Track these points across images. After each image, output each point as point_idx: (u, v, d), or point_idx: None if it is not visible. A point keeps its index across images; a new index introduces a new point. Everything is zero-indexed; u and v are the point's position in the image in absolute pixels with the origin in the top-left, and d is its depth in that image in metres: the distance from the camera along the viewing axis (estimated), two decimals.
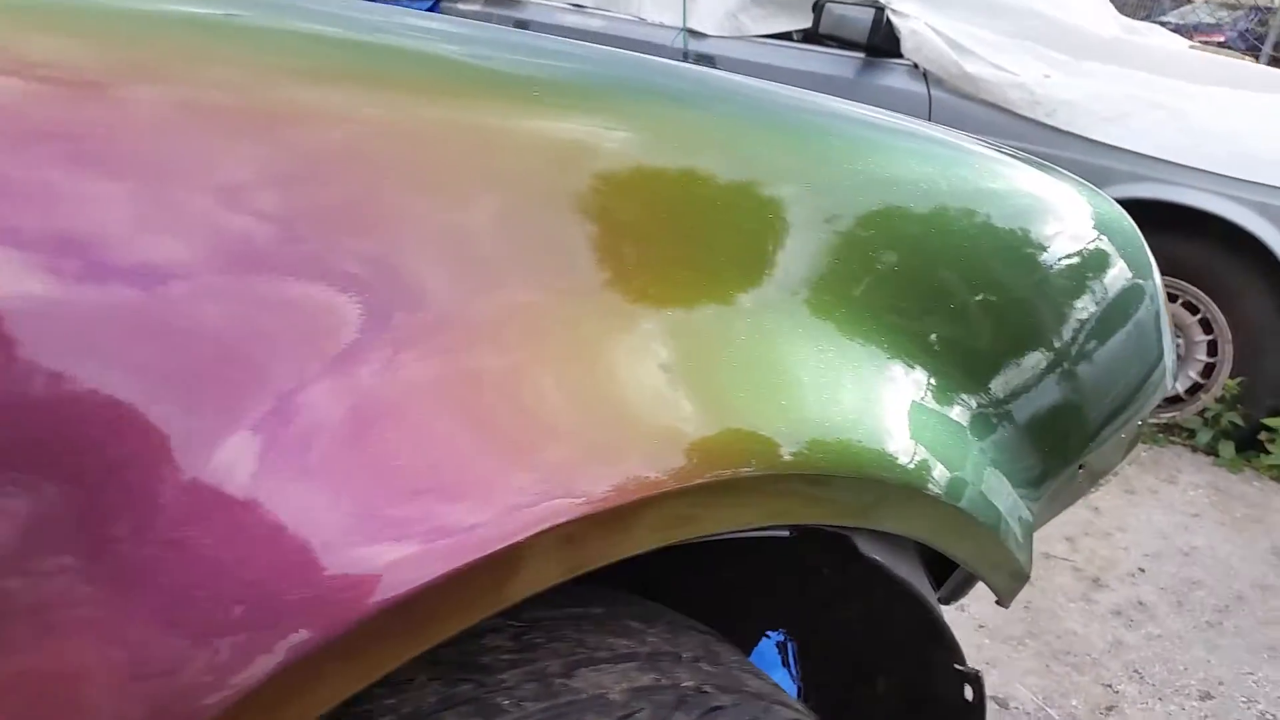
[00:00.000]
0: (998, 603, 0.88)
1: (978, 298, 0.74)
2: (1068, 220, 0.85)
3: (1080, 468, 0.89)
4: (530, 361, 0.52)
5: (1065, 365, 0.81)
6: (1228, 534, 2.60)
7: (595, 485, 0.50)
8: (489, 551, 0.46)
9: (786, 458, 0.58)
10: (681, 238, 0.61)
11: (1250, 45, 6.54)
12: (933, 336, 0.71)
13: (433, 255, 0.52)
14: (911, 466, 0.65)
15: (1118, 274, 0.87)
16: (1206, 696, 1.97)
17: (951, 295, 0.73)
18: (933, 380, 0.71)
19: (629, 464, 0.52)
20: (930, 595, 0.80)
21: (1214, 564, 2.45)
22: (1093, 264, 0.85)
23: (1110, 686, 1.97)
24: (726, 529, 0.58)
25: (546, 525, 0.46)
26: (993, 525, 0.73)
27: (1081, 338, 0.82)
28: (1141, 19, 4.53)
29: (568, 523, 0.47)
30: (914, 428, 0.67)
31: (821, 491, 0.61)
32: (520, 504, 0.47)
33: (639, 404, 0.54)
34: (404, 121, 0.55)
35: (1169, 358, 0.95)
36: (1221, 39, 7.56)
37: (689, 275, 0.61)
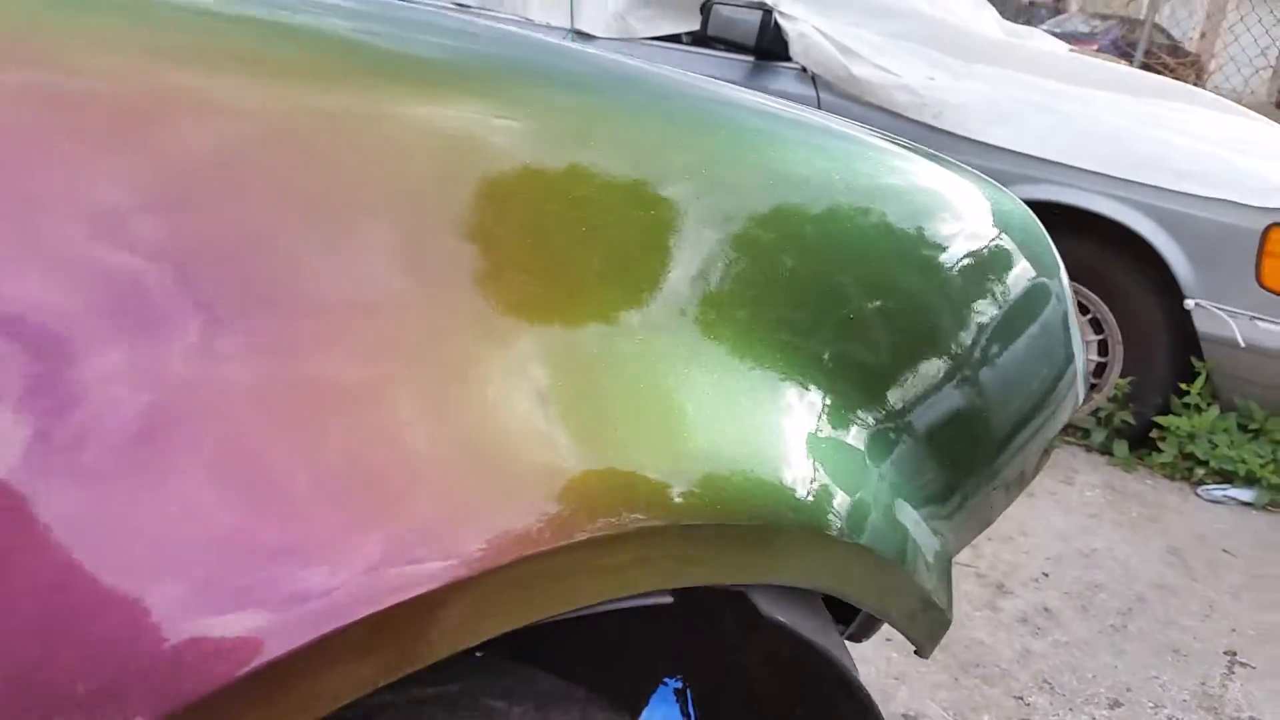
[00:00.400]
0: (916, 653, 0.79)
1: (874, 304, 0.67)
2: (968, 218, 0.79)
3: (994, 482, 0.81)
4: (372, 390, 0.43)
5: (968, 373, 0.74)
6: (1125, 534, 2.59)
7: (437, 554, 0.39)
8: (272, 658, 0.34)
9: (677, 503, 0.48)
10: (558, 244, 0.52)
11: (1123, 52, 6.73)
12: (827, 351, 0.63)
13: (261, 262, 0.42)
14: (811, 503, 0.57)
15: (1021, 273, 0.81)
16: (1115, 704, 1.93)
17: (847, 303, 0.65)
18: (828, 400, 0.63)
19: (482, 524, 0.41)
20: (840, 649, 0.70)
21: (1114, 566, 2.43)
22: (995, 264, 0.79)
23: (1021, 699, 1.92)
24: (599, 599, 0.47)
25: (340, 623, 0.34)
26: (898, 558, 0.64)
27: (984, 342, 0.75)
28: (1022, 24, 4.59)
29: (375, 614, 0.35)
30: (811, 458, 0.58)
31: (714, 543, 0.51)
32: (322, 589, 0.36)
33: (502, 444, 0.45)
34: (247, 101, 0.46)
35: (1079, 360, 0.89)
36: (1096, 47, 7.78)
37: (564, 288, 0.52)
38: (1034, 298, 0.81)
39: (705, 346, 0.56)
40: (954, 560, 0.85)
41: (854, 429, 0.64)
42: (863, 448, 0.64)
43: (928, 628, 0.73)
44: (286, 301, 0.42)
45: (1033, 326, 0.81)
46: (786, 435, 0.58)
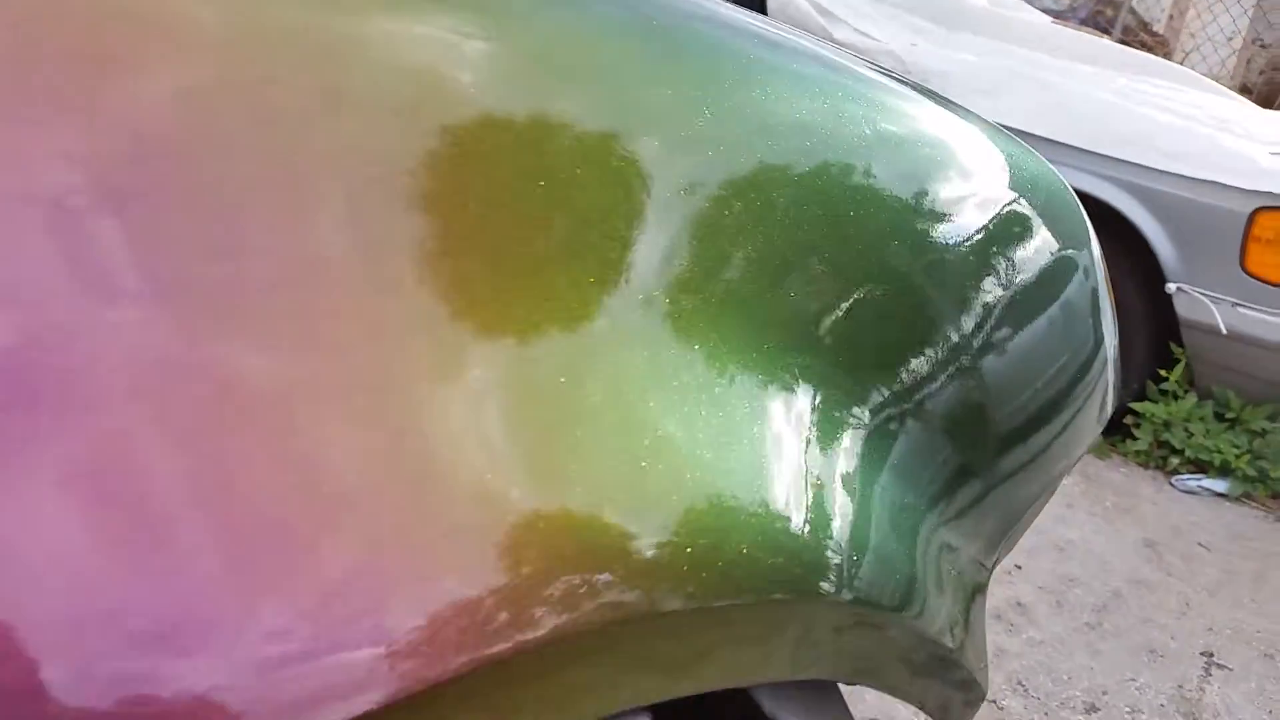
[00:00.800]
0: None
1: (869, 285, 0.55)
2: (982, 178, 0.66)
3: (1013, 480, 0.68)
4: (226, 421, 0.31)
5: (974, 358, 0.62)
6: (1100, 525, 2.51)
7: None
8: None
9: (669, 588, 0.36)
10: (501, 215, 0.39)
11: (1101, 28, 6.64)
12: (817, 348, 0.51)
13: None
14: (812, 564, 0.44)
15: (1042, 244, 0.68)
16: (1092, 709, 1.84)
17: (839, 286, 0.53)
18: (819, 415, 0.50)
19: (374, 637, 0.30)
20: None
21: (1089, 558, 2.35)
22: (1011, 233, 0.66)
23: (995, 702, 1.83)
24: None
25: None
26: (901, 606, 0.52)
27: (994, 323, 0.64)
28: None
29: None
30: (807, 506, 0.46)
31: (699, 634, 0.39)
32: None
33: (418, 497, 0.33)
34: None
35: (1109, 344, 0.76)
36: (1075, 22, 7.67)
37: (507, 271, 0.39)
38: (1056, 272, 0.69)
39: (674, 358, 0.43)
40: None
41: (848, 439, 0.52)
42: (860, 464, 0.52)
43: (961, 702, 0.61)
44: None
45: (1053, 305, 0.69)
46: (775, 475, 0.46)
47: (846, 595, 0.47)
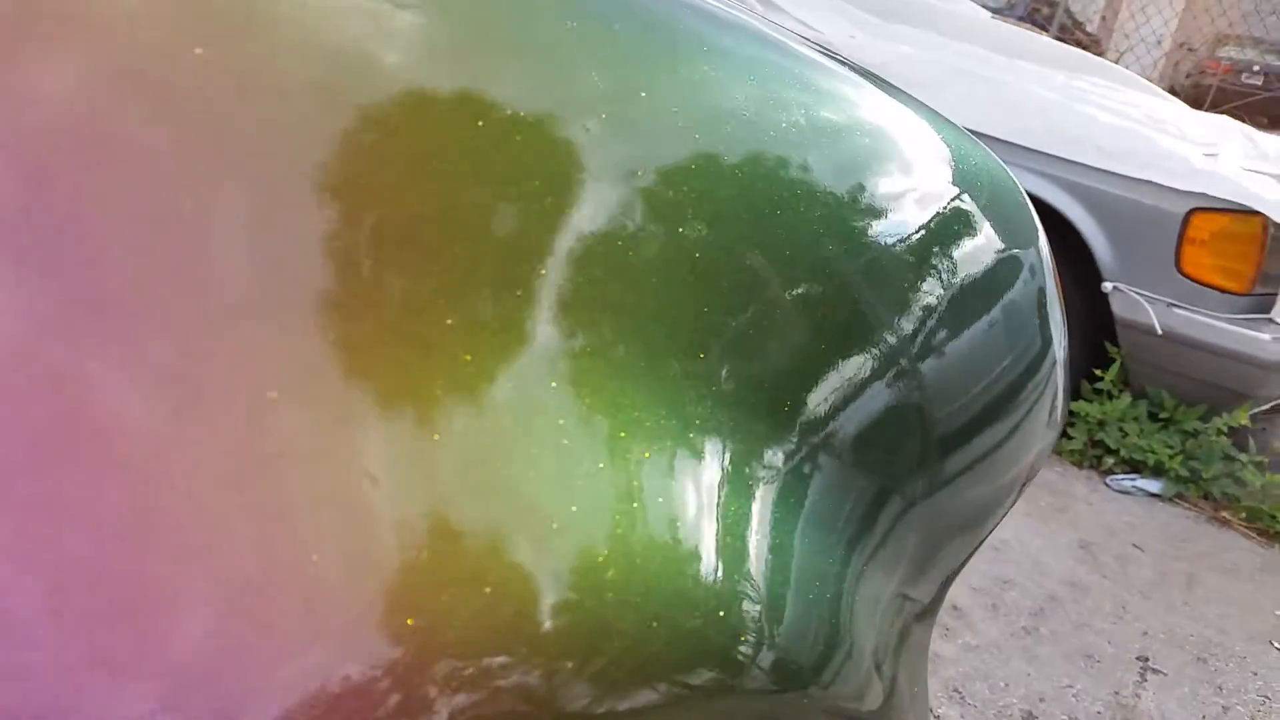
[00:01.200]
0: None
1: (796, 292, 0.48)
2: (925, 169, 0.60)
3: (952, 499, 0.61)
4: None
5: (912, 372, 0.55)
6: (1035, 526, 2.49)
7: None
8: None
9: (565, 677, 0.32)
10: (379, 218, 0.34)
11: (1038, 24, 6.69)
12: (727, 372, 0.44)
13: None
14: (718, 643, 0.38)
15: (985, 244, 0.62)
16: (1029, 717, 1.81)
17: (762, 294, 0.46)
18: (728, 457, 0.43)
19: None
20: None
21: (1024, 560, 2.32)
22: (953, 230, 0.60)
23: (931, 711, 1.78)
24: None
25: None
26: (817, 678, 0.45)
27: (929, 329, 0.57)
28: None
29: None
30: (714, 579, 0.39)
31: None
32: None
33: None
34: None
35: (1059, 346, 0.69)
36: (1014, 18, 7.72)
37: (374, 293, 0.33)
38: (1000, 272, 0.63)
39: (577, 393, 0.37)
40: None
41: (760, 494, 0.44)
42: (772, 519, 0.44)
43: None
44: None
45: (996, 307, 0.63)
46: (671, 538, 0.39)
47: (754, 683, 0.40)
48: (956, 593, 2.15)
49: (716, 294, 0.43)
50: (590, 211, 0.39)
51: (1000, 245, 0.63)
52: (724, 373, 0.43)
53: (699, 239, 0.42)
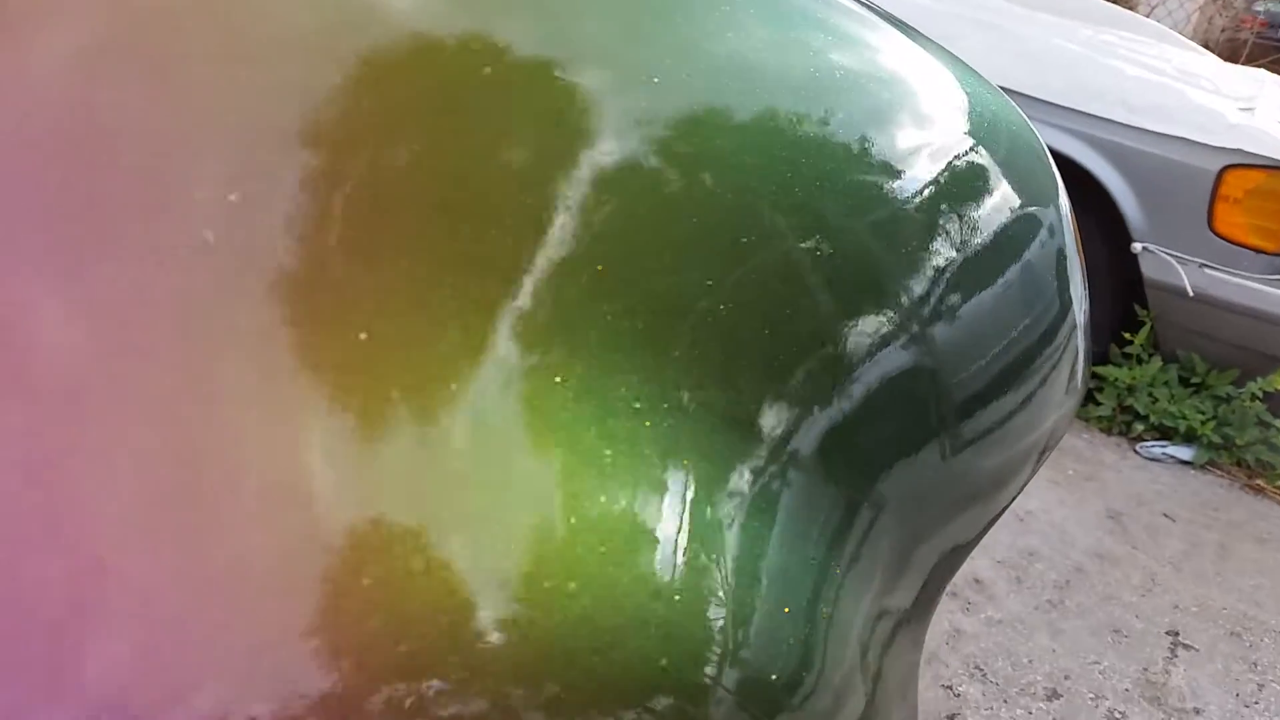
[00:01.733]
0: None
1: (791, 255, 0.44)
2: (939, 119, 0.57)
3: (970, 462, 0.56)
4: None
5: (919, 335, 0.51)
6: (1062, 495, 2.41)
7: None
8: None
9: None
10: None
11: None
12: (698, 371, 0.40)
13: None
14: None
15: (1002, 201, 0.58)
16: (1053, 695, 1.74)
17: (758, 258, 0.43)
18: (696, 463, 0.39)
19: None
20: None
21: (1050, 531, 2.25)
22: (969, 187, 0.56)
23: (950, 688, 1.72)
24: None
25: None
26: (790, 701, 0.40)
27: (942, 294, 0.52)
28: None
29: None
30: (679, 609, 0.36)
31: None
32: None
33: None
34: None
35: (1079, 309, 0.65)
36: None
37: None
38: (1017, 231, 0.59)
39: (570, 396, 0.35)
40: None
41: (733, 500, 0.40)
42: (743, 531, 0.40)
43: None
44: None
45: (1011, 268, 0.58)
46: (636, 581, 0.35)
47: (722, 705, 0.36)
48: (979, 566, 2.08)
49: (693, 278, 0.39)
50: (558, 218, 0.36)
51: (1017, 202, 0.59)
52: (694, 376, 0.39)
53: (707, 210, 0.40)
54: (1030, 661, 1.82)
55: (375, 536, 0.30)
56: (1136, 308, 2.70)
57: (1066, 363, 0.62)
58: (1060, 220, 0.65)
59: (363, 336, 0.31)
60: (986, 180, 0.58)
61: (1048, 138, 2.61)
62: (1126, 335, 2.72)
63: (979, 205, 0.56)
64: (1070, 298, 0.63)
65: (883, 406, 0.48)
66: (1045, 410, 0.61)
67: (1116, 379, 2.72)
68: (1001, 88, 2.47)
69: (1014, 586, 2.03)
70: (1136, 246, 2.59)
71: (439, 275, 0.33)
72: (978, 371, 0.55)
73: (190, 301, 0.30)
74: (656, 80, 0.41)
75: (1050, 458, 2.56)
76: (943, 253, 0.53)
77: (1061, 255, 0.63)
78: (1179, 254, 2.56)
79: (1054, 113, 2.63)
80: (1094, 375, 2.78)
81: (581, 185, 0.37)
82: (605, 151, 0.38)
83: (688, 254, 0.39)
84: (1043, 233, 0.61)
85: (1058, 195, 0.66)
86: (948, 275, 0.52)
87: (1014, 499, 0.64)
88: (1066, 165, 2.61)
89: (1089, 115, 2.60)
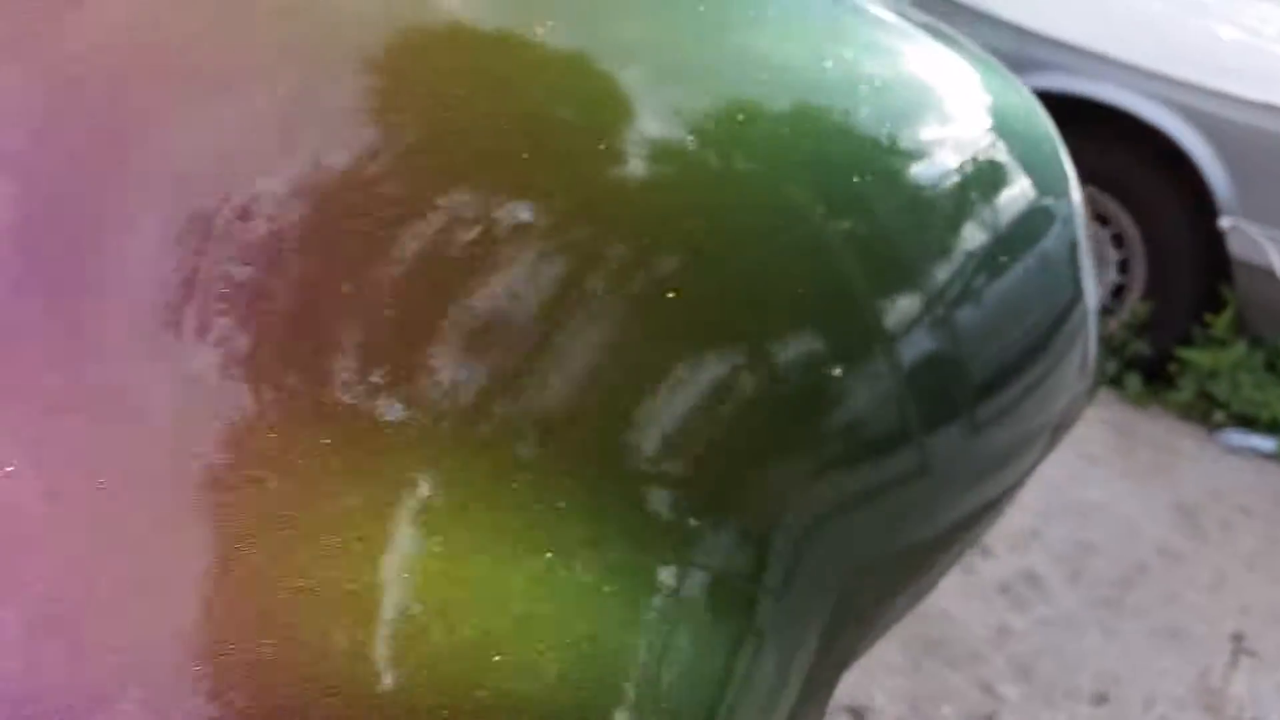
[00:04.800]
0: None
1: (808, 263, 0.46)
2: (952, 115, 0.59)
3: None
4: None
5: (940, 316, 0.53)
6: (1130, 487, 2.29)
7: None
8: None
9: None
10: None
11: None
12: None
13: None
14: None
15: (1018, 195, 0.60)
16: (1101, 700, 1.66)
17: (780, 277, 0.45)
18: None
19: None
20: None
21: (1114, 524, 2.14)
22: (985, 186, 0.58)
23: (990, 689, 1.65)
24: None
25: None
26: None
27: (951, 285, 0.54)
28: None
29: None
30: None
31: None
32: None
33: None
34: None
35: (1089, 297, 0.67)
36: None
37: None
38: (1032, 224, 0.62)
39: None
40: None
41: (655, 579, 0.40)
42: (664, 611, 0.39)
43: None
44: None
45: (1027, 257, 0.61)
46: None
47: None
48: (1034, 560, 1.99)
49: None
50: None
51: (1032, 195, 0.61)
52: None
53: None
54: (1079, 662, 1.73)
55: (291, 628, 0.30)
56: (1221, 288, 2.54)
57: (1079, 347, 0.65)
58: (1072, 212, 0.66)
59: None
60: (1002, 174, 0.59)
61: (1128, 102, 2.46)
62: (1209, 317, 2.57)
63: (994, 199, 0.58)
64: (1082, 285, 0.65)
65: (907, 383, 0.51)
66: (1057, 390, 0.64)
67: (1197, 363, 2.57)
68: (1077, 46, 2.33)
69: (1069, 583, 1.94)
70: (1224, 222, 2.43)
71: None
72: (994, 352, 0.57)
73: None
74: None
75: (1121, 445, 2.44)
76: (955, 246, 0.54)
77: (1074, 245, 0.65)
78: (1270, 231, 2.40)
79: (1134, 75, 2.48)
80: (1173, 358, 2.63)
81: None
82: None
83: None
84: (1056, 225, 0.63)
85: (1070, 187, 0.67)
86: (961, 268, 0.54)
87: (1019, 484, 0.66)
88: (1149, 133, 2.46)
89: (1175, 80, 2.45)
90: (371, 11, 0.39)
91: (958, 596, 1.85)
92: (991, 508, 0.64)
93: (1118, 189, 2.61)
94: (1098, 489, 2.26)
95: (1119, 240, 2.68)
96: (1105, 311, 2.77)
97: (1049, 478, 2.26)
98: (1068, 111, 2.59)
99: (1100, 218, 2.68)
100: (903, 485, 0.53)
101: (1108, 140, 2.54)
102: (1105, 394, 2.69)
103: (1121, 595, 1.92)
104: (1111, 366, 2.71)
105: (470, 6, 0.41)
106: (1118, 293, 2.73)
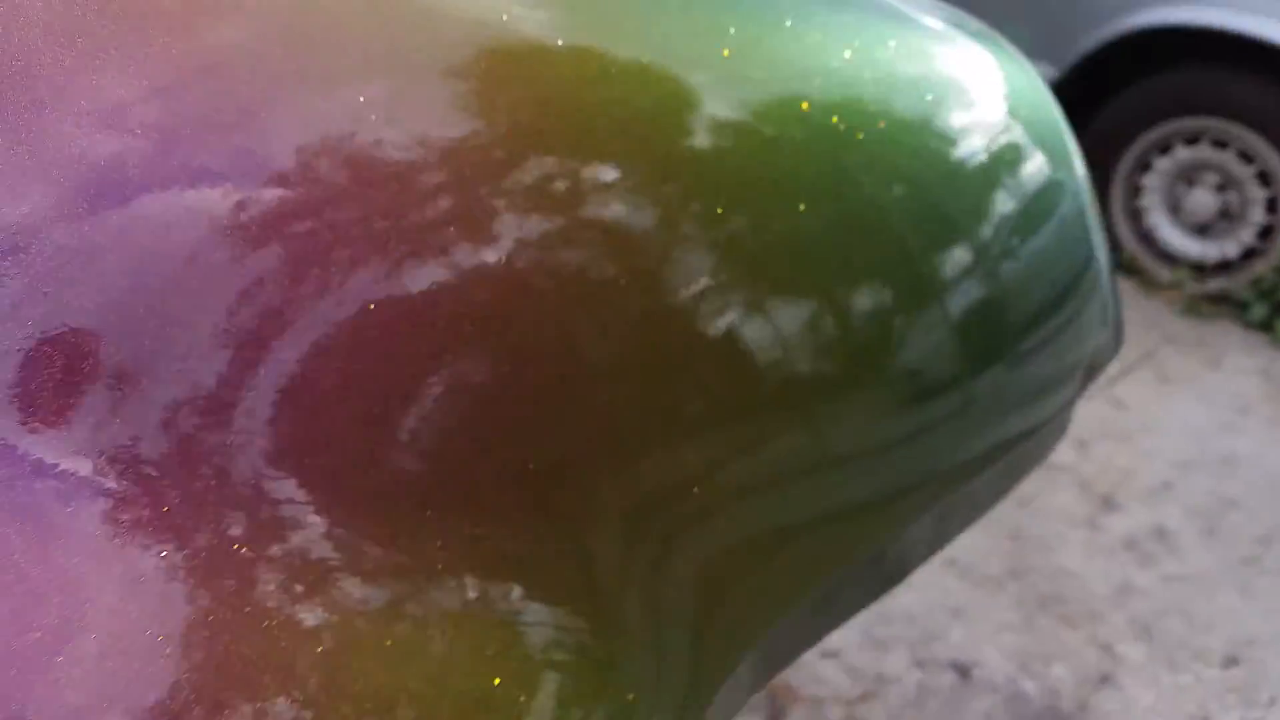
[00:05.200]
0: None
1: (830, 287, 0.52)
2: (958, 97, 0.64)
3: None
4: None
5: (987, 270, 0.60)
6: (1279, 436, 2.12)
7: None
8: None
9: None
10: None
11: None
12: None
13: None
14: None
15: (1034, 172, 0.67)
16: (1231, 662, 1.54)
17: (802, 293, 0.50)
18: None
19: None
20: None
21: (1258, 477, 1.98)
22: (1003, 167, 0.64)
23: (1109, 648, 1.55)
24: None
25: None
26: None
27: (979, 268, 0.60)
28: None
29: None
30: None
31: None
32: None
33: None
34: None
35: (1100, 255, 0.73)
36: None
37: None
38: (1046, 194, 0.68)
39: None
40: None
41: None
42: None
43: None
44: None
45: (1044, 229, 0.68)
46: None
47: None
48: (1165, 513, 1.86)
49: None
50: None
51: (1044, 171, 0.68)
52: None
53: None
54: (1210, 623, 1.61)
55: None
56: None
57: (1098, 296, 0.73)
58: (1080, 183, 0.73)
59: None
60: (1019, 153, 0.66)
61: (1273, 34, 2.27)
62: None
63: (1014, 175, 0.65)
64: (1092, 244, 0.72)
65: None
66: (1084, 334, 0.71)
67: None
68: None
69: (1204, 539, 1.81)
70: None
71: None
72: (1027, 300, 0.65)
73: None
74: None
75: (1273, 393, 2.26)
76: (986, 231, 0.61)
77: (1083, 211, 0.72)
78: None
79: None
80: None
81: None
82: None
83: None
84: (1066, 195, 0.70)
85: (1075, 161, 0.74)
86: (985, 254, 0.60)
87: (1056, 416, 0.71)
88: None
89: None
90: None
91: (1078, 552, 1.75)
92: (1028, 438, 0.69)
93: (1262, 125, 2.42)
94: (1243, 440, 2.10)
95: (1265, 178, 2.48)
96: (1251, 254, 2.57)
97: (1191, 426, 2.12)
98: (1209, 46, 2.42)
99: (1245, 155, 2.49)
100: (953, 408, 0.59)
101: (1252, 75, 2.35)
102: (1255, 339, 2.50)
103: (1261, 553, 1.78)
104: (1260, 310, 2.52)
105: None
106: (1266, 234, 2.53)
